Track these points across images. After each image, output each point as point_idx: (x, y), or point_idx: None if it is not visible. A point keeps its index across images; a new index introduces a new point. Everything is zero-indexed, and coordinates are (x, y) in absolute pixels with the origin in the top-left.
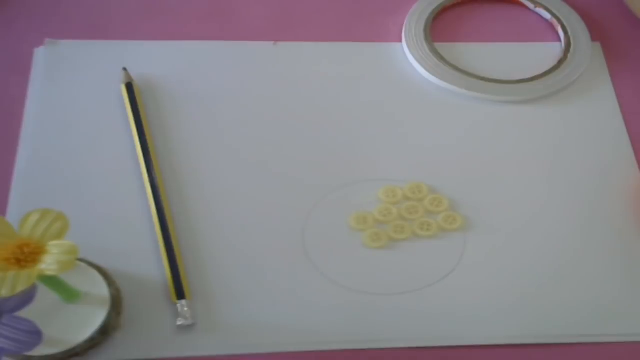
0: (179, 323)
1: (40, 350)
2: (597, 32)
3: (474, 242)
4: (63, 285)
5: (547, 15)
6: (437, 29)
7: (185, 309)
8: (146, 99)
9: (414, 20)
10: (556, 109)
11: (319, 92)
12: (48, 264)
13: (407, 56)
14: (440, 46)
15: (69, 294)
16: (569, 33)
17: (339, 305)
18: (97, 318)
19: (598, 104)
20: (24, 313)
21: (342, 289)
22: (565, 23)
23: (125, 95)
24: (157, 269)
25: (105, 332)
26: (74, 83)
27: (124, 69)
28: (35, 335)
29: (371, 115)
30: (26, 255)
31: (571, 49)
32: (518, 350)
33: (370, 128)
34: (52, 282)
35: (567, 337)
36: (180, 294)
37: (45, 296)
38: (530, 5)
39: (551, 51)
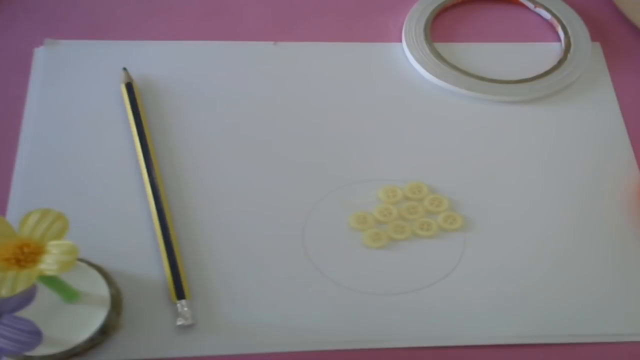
0: (179, 323)
1: (40, 350)
2: (597, 32)
3: (474, 242)
4: (63, 285)
5: (547, 15)
6: (437, 29)
7: (185, 309)
8: (146, 99)
9: (414, 20)
10: (556, 109)
11: (318, 92)
12: (48, 264)
13: (407, 56)
14: (440, 46)
15: (69, 294)
16: (569, 33)
17: (339, 305)
18: (97, 318)
19: (598, 104)
20: (24, 313)
21: (342, 289)
22: (565, 23)
23: (125, 96)
24: (157, 269)
25: (105, 332)
26: (74, 83)
27: (124, 69)
28: (35, 335)
29: (371, 115)
30: (26, 255)
31: (571, 49)
32: (518, 350)
33: (370, 128)
34: (52, 282)
35: (567, 337)
36: (180, 294)
37: (45, 296)
38: (530, 5)
39: (551, 51)
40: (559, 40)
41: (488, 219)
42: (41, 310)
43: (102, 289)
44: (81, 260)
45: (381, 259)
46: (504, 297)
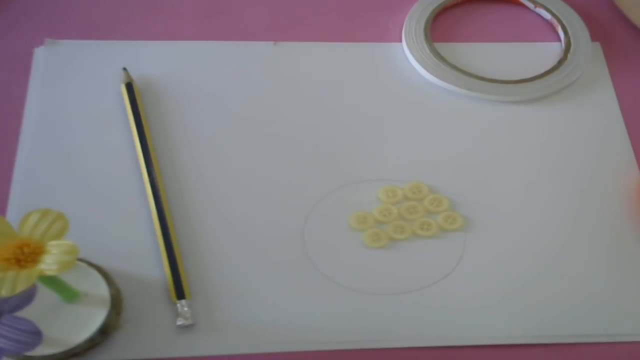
0: (179, 323)
1: (40, 350)
2: (597, 32)
3: (474, 242)
4: (63, 285)
5: (547, 15)
6: (437, 29)
7: (185, 309)
8: (146, 99)
9: (414, 20)
10: (556, 109)
11: (319, 92)
12: (48, 264)
13: (407, 56)
14: (440, 46)
15: (69, 294)
16: (569, 33)
17: (339, 305)
18: (97, 318)
19: (598, 104)
20: (24, 313)
21: (342, 289)
22: (565, 23)
23: (125, 96)
24: (157, 269)
25: (105, 332)
26: (74, 83)
27: (124, 69)
28: (35, 335)
29: (371, 115)
30: (26, 255)
31: (571, 49)
32: (518, 350)
33: (370, 128)
34: (52, 282)
35: (566, 337)
36: (180, 294)
37: (45, 296)
38: (530, 5)
39: (551, 51)
40: (559, 40)
41: (488, 218)
42: (41, 310)
43: (102, 289)
44: (81, 260)
45: (381, 259)
46: (504, 297)
